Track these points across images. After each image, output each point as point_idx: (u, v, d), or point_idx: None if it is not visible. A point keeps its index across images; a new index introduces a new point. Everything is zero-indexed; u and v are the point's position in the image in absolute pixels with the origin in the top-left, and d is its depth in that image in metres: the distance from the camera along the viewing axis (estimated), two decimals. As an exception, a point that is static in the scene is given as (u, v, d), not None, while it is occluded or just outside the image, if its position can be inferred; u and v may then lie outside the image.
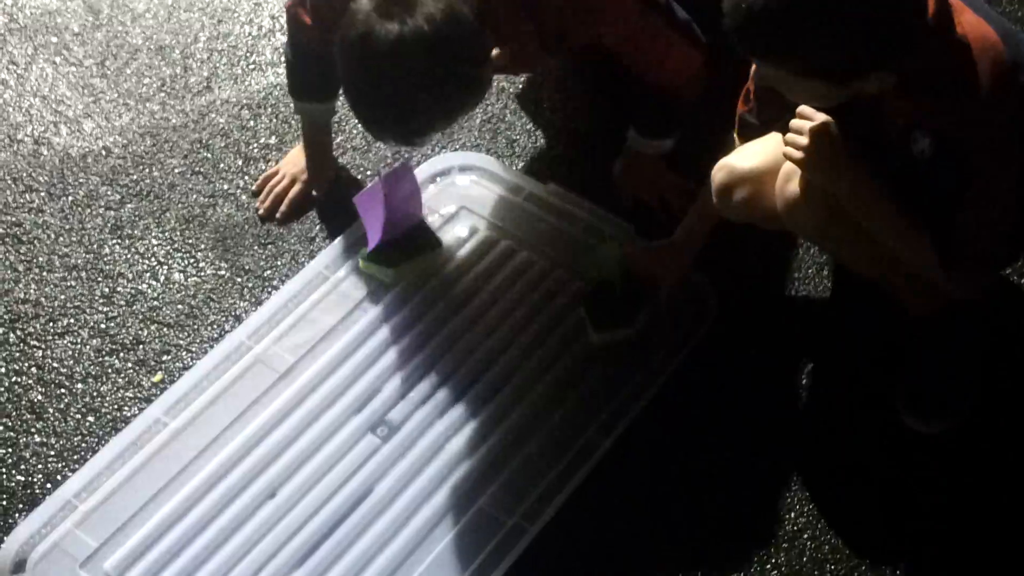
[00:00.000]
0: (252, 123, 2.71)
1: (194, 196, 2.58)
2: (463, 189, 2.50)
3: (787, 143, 1.92)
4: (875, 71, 1.74)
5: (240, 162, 2.64)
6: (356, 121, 2.39)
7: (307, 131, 2.54)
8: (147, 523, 2.06)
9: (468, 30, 2.01)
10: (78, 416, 2.25)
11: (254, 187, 2.57)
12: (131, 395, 2.28)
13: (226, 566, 2.02)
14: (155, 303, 2.41)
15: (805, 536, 2.06)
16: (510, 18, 2.15)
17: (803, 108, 1.91)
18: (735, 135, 2.21)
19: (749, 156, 2.12)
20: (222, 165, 2.63)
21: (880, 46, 1.71)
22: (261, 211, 2.53)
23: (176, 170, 2.63)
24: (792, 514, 2.08)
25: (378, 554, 2.02)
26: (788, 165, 1.99)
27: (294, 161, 2.56)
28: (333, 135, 2.59)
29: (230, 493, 2.09)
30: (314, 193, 2.54)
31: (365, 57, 1.98)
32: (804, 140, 1.89)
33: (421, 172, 2.48)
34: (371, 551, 2.03)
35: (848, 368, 2.24)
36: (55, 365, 2.33)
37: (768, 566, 2.03)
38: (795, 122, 1.91)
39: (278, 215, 2.52)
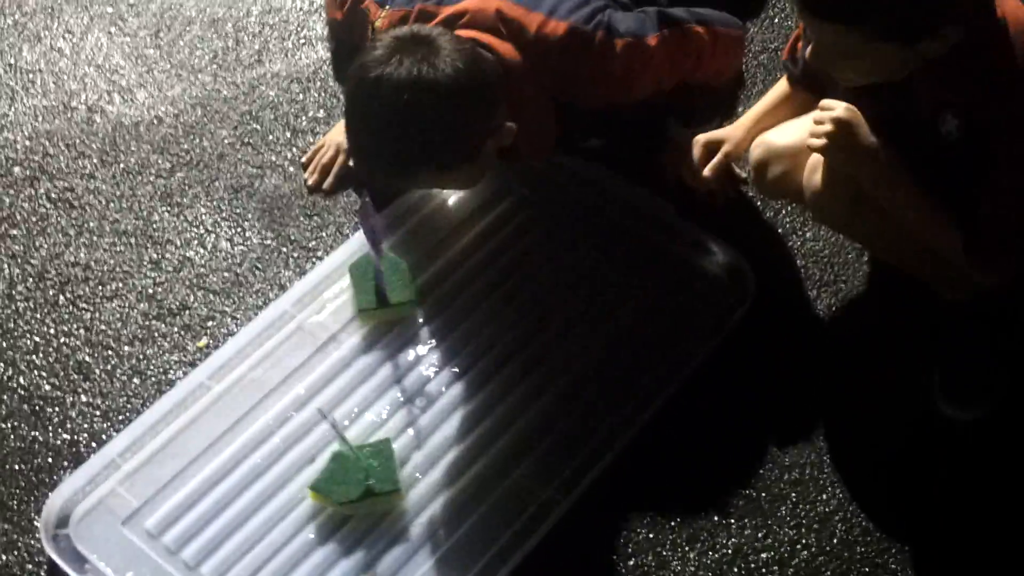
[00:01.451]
0: (301, 96, 2.74)
1: (243, 167, 2.62)
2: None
3: (811, 134, 1.94)
4: (948, 24, 1.73)
5: (288, 134, 2.67)
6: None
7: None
8: (188, 484, 2.10)
9: (480, 91, 2.04)
10: (124, 378, 2.30)
11: (303, 160, 2.60)
12: (176, 359, 2.32)
13: (264, 528, 2.05)
14: (202, 270, 2.45)
15: (836, 518, 2.07)
16: (533, 97, 2.17)
17: (825, 101, 1.92)
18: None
19: (787, 133, 2.14)
20: (271, 137, 2.67)
21: None
22: (310, 182, 2.56)
23: (226, 141, 2.67)
24: (824, 496, 2.09)
25: (414, 520, 2.05)
26: (814, 157, 2.00)
27: (339, 131, 2.57)
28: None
29: (270, 457, 2.13)
30: (350, 163, 2.56)
31: (363, 88, 2.04)
32: (828, 127, 1.90)
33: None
34: (407, 517, 2.05)
35: (883, 353, 2.25)
36: (103, 328, 2.37)
37: (798, 547, 2.04)
38: (817, 113, 1.93)
39: (325, 186, 2.55)
